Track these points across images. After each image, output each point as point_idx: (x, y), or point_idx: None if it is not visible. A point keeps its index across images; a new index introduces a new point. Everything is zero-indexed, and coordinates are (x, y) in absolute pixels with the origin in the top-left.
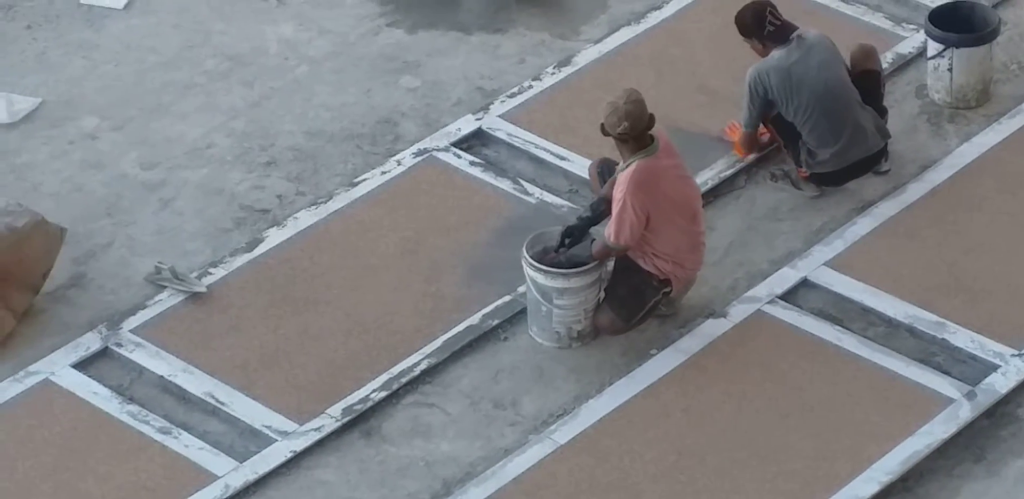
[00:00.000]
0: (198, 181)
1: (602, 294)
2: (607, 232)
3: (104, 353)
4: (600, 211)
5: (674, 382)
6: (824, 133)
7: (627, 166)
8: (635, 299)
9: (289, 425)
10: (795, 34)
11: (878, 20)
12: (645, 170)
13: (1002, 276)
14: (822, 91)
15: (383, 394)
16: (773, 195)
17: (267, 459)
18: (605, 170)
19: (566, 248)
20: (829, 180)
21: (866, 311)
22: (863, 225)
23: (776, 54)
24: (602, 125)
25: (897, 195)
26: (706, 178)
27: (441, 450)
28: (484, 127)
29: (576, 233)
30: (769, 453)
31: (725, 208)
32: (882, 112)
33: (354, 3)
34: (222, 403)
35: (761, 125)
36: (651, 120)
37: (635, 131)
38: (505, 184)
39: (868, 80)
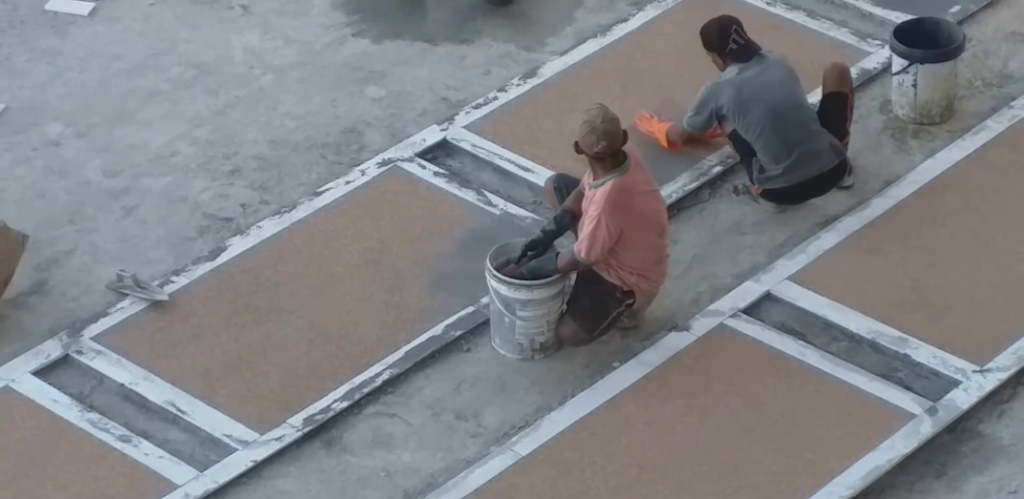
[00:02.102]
0: (161, 189)
1: (565, 305)
2: (577, 248)
3: (65, 360)
4: (564, 224)
5: (636, 395)
6: (774, 150)
7: (602, 184)
8: (598, 310)
9: (250, 434)
10: (757, 54)
11: (843, 35)
12: (621, 189)
13: (965, 292)
14: (773, 108)
15: (345, 404)
16: (737, 209)
17: (227, 468)
18: (562, 185)
19: (528, 259)
20: (782, 198)
21: (829, 326)
22: (827, 240)
23: (732, 70)
24: (576, 143)
25: (861, 210)
26: (670, 191)
27: (402, 461)
28: (449, 138)
29: (540, 247)
30: (731, 467)
31: (689, 221)
32: (842, 134)
33: (320, 13)
34: (183, 412)
35: (712, 127)
36: (625, 137)
37: (611, 150)
38: (469, 195)
39: (835, 101)
